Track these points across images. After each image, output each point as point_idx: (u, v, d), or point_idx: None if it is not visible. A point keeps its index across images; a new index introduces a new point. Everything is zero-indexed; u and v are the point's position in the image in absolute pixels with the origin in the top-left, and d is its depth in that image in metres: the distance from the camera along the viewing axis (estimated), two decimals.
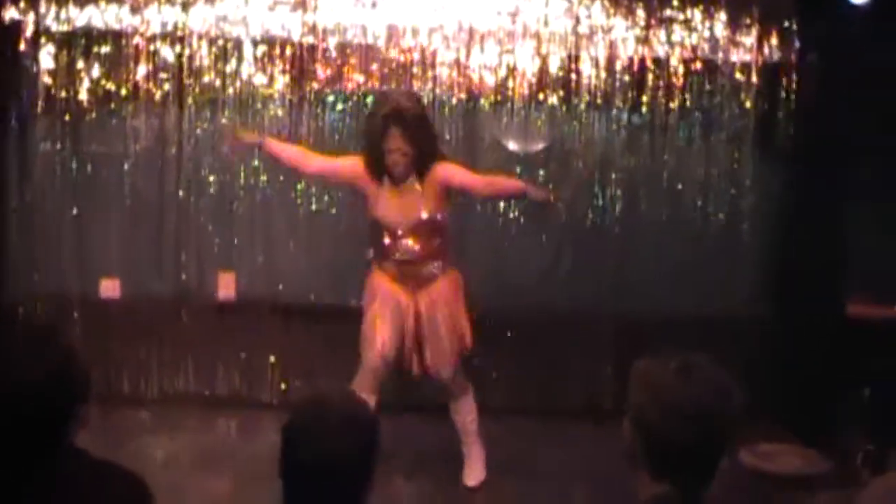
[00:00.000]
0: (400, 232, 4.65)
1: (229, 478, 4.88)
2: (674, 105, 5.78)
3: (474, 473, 4.89)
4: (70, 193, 5.82)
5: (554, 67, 5.71)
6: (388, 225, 4.67)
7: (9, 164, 5.80)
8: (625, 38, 5.69)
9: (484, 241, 5.86)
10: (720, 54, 5.73)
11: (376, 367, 4.66)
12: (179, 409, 5.74)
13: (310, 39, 5.64)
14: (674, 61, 5.73)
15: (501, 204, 5.79)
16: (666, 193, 5.87)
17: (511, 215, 5.86)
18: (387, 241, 4.69)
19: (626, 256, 5.90)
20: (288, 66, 5.69)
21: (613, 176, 5.88)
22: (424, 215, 4.64)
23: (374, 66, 5.69)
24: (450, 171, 4.72)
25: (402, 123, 4.53)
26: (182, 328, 5.86)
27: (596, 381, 5.81)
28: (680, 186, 5.87)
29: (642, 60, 5.72)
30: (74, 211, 5.82)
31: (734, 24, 5.70)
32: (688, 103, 5.77)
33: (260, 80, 5.73)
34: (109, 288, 5.82)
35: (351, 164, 4.79)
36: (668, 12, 5.67)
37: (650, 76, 5.74)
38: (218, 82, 5.69)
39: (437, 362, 4.70)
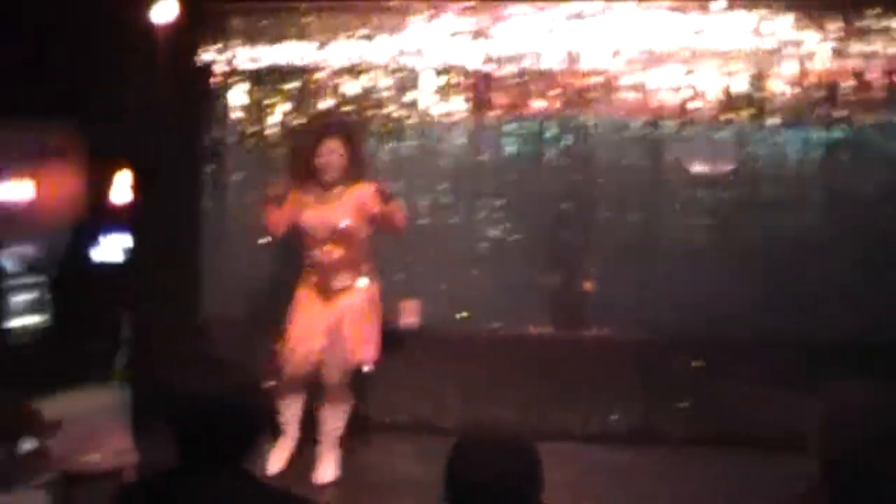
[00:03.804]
0: (324, 237, 4.84)
1: (408, 500, 4.89)
2: (872, 120, 5.45)
3: (327, 473, 5.01)
4: (259, 223, 6.01)
5: (740, 86, 5.49)
6: (310, 231, 4.86)
7: (203, 195, 6.05)
8: (816, 51, 5.41)
9: (670, 268, 5.69)
10: None
11: (294, 376, 4.94)
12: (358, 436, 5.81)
13: (489, 67, 5.65)
14: (872, 73, 5.41)
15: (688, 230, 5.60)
16: (865, 214, 5.54)
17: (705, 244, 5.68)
18: (308, 247, 4.90)
19: (823, 279, 5.59)
20: (467, 95, 5.71)
21: (807, 197, 5.59)
22: (346, 223, 4.82)
23: (554, 92, 5.64)
24: (372, 195, 4.86)
25: (342, 131, 4.93)
26: None
27: (790, 409, 5.52)
28: (881, 206, 5.53)
29: (837, 74, 5.42)
30: (261, 239, 6.02)
31: None
32: (890, 118, 5.44)
33: (440, 109, 5.77)
34: None
35: (290, 200, 4.97)
36: (864, 22, 5.37)
37: (845, 90, 5.43)
38: (399, 113, 5.76)
39: (331, 363, 4.86)
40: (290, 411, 5.08)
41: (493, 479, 1.99)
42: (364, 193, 4.86)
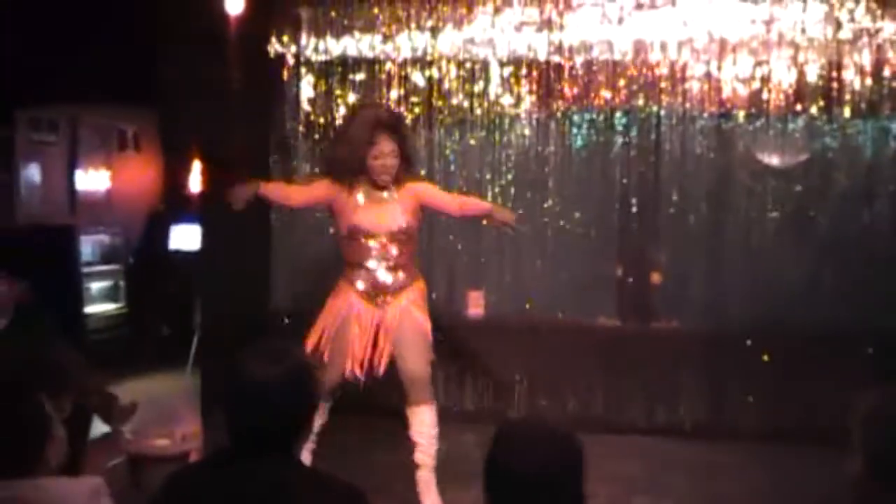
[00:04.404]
0: (381, 240, 4.48)
1: (476, 490, 4.89)
2: None
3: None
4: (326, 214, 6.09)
5: (813, 76, 5.40)
6: (367, 233, 4.47)
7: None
8: (894, 40, 5.29)
9: (739, 260, 5.63)
10: None
11: (334, 383, 4.50)
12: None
13: (556, 58, 5.64)
14: None
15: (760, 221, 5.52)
16: None
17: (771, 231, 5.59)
18: (362, 249, 4.47)
19: (890, 275, 5.46)
20: (535, 86, 5.71)
21: (881, 190, 5.48)
22: (402, 224, 4.48)
23: (622, 83, 5.60)
24: (426, 189, 4.64)
25: (395, 129, 4.47)
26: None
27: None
28: None
29: None
30: (330, 231, 6.08)
31: None
32: None
33: (507, 100, 5.79)
34: None
35: (325, 185, 4.59)
36: None
37: None
38: (466, 103, 5.78)
39: (411, 365, 4.44)
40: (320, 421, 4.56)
41: (534, 468, 1.98)
42: (418, 190, 4.59)
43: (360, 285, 4.50)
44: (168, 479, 2.30)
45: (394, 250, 4.47)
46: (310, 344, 4.47)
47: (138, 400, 5.55)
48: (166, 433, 4.90)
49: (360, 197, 4.47)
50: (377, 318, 4.49)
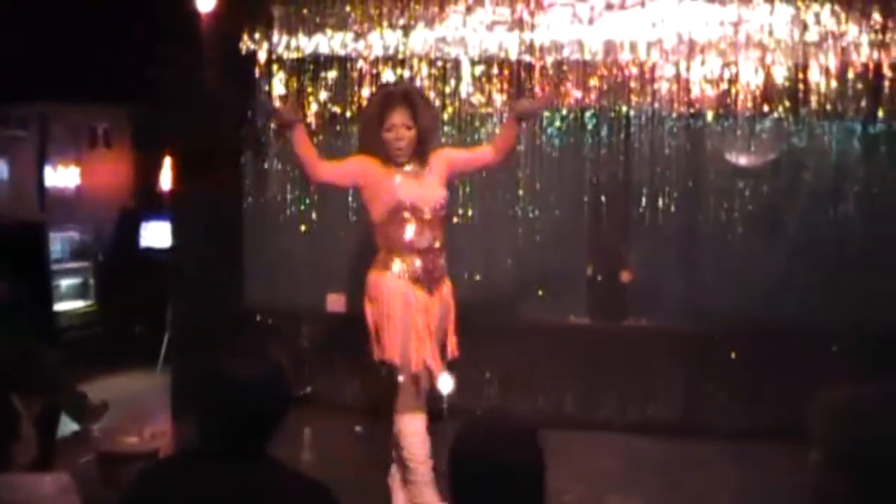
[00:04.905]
0: (426, 217, 4.18)
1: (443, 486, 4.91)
2: None
3: None
4: (299, 210, 6.10)
5: (780, 77, 5.47)
6: (413, 209, 4.15)
7: (245, 182, 6.14)
8: (858, 43, 5.37)
9: (709, 259, 5.71)
10: None
11: (418, 382, 4.16)
12: None
13: (527, 58, 5.67)
14: None
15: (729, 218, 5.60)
16: None
17: (745, 235, 5.67)
18: (409, 229, 4.16)
19: (861, 272, 5.54)
20: (506, 85, 5.74)
21: (848, 189, 5.56)
22: (444, 197, 4.24)
23: (592, 83, 5.64)
24: (452, 153, 4.46)
25: (406, 100, 4.21)
26: None
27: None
28: None
29: (878, 66, 5.37)
30: (303, 227, 6.10)
31: None
32: None
33: (478, 98, 5.80)
34: (335, 302, 6.04)
35: (358, 160, 4.29)
36: None
37: (887, 83, 5.39)
38: (438, 102, 5.80)
39: (431, 365, 4.19)
40: (419, 437, 4.13)
41: (494, 463, 2.01)
42: (448, 157, 4.36)
43: (411, 272, 4.16)
44: (138, 476, 2.31)
45: (437, 228, 4.21)
46: (383, 353, 4.14)
47: (108, 398, 5.56)
48: (135, 431, 4.89)
49: (397, 176, 4.18)
50: (433, 307, 4.20)
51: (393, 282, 4.14)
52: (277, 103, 4.19)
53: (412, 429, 4.11)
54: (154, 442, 4.80)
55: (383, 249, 4.21)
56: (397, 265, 4.15)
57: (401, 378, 4.13)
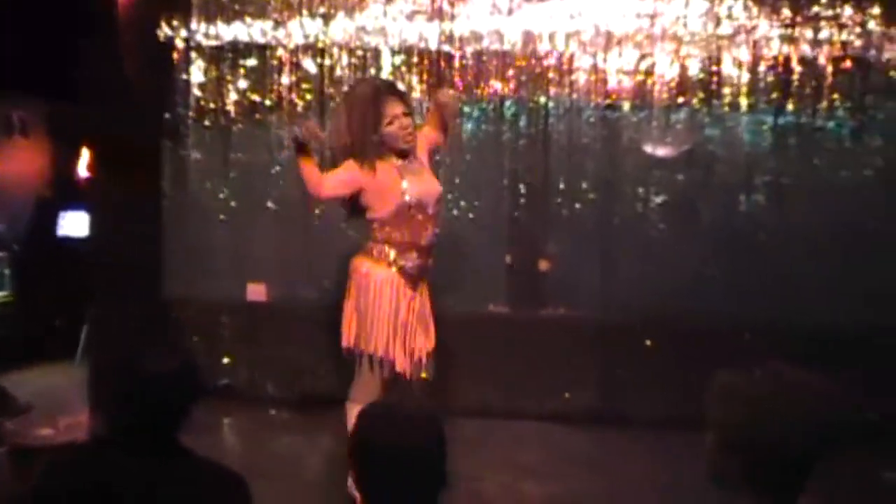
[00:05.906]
0: (429, 212, 4.17)
1: None
2: (823, 106, 5.54)
3: None
4: (218, 200, 6.06)
5: (694, 69, 5.58)
6: (419, 206, 4.13)
7: (163, 172, 6.07)
8: (769, 37, 5.49)
9: (626, 249, 5.79)
10: (873, 51, 5.46)
11: (385, 378, 4.24)
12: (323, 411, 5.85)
13: (447, 48, 5.69)
14: (822, 60, 5.50)
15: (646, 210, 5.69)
16: (814, 198, 5.63)
17: (660, 225, 5.75)
18: (415, 226, 4.14)
19: (771, 263, 5.67)
20: (425, 75, 5.75)
21: (758, 180, 5.68)
22: (440, 186, 4.26)
23: (511, 73, 5.68)
24: (425, 134, 4.30)
25: (395, 91, 4.21)
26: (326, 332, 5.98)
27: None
28: (829, 190, 5.62)
29: (788, 60, 5.51)
30: (222, 217, 6.05)
31: (889, 19, 5.43)
32: (837, 103, 5.53)
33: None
34: (256, 292, 6.01)
35: (354, 166, 4.12)
36: (815, 9, 5.46)
37: (797, 76, 5.52)
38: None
39: (421, 360, 4.28)
40: None
41: (393, 447, 2.03)
42: (426, 139, 4.27)
43: (407, 267, 4.15)
44: (47, 465, 2.30)
45: (436, 223, 4.19)
46: (364, 345, 4.13)
47: (25, 390, 5.47)
48: (50, 422, 4.83)
49: (400, 173, 4.12)
50: (415, 302, 4.21)
51: (387, 275, 4.12)
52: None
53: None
54: (69, 433, 4.75)
55: (383, 244, 4.16)
56: (394, 259, 4.14)
57: (364, 368, 4.16)
